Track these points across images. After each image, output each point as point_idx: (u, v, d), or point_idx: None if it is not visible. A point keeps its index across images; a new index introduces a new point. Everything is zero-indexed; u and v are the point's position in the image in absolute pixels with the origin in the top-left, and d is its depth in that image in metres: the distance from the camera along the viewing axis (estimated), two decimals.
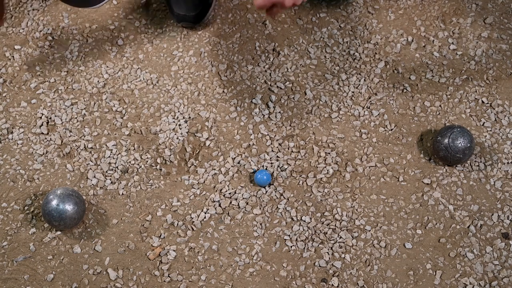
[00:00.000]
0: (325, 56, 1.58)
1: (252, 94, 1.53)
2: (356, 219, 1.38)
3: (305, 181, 1.42)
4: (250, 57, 1.58)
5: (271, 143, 1.47)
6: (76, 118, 1.49)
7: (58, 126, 1.48)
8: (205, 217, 1.38)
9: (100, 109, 1.51)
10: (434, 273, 1.33)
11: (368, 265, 1.34)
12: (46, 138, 1.47)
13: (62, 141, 1.47)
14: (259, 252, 1.35)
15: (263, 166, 1.44)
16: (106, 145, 1.46)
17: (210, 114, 1.50)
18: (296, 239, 1.36)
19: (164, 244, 1.35)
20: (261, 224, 1.37)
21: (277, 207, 1.39)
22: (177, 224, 1.37)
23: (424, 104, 1.52)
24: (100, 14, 1.63)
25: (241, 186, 1.42)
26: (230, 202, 1.40)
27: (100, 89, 1.53)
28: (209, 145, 1.46)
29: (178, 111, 1.50)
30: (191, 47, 1.59)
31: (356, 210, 1.39)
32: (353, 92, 1.53)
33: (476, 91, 1.54)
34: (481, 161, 1.45)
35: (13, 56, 1.58)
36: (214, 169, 1.43)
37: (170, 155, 1.45)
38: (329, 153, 1.45)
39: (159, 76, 1.54)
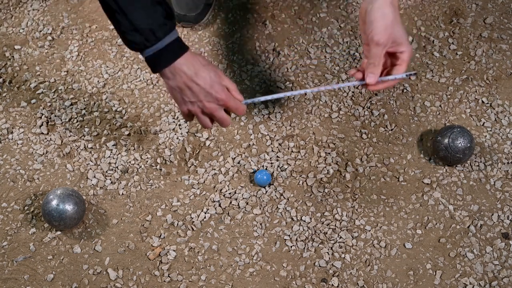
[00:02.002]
0: (325, 56, 1.58)
1: (252, 94, 1.53)
2: (356, 219, 1.38)
3: (305, 181, 1.42)
4: (250, 57, 1.58)
5: (271, 143, 1.47)
6: (76, 118, 1.49)
7: (58, 126, 1.48)
8: (205, 217, 1.38)
9: (100, 109, 1.51)
10: (434, 273, 1.33)
11: (368, 265, 1.34)
12: (46, 138, 1.47)
13: (62, 141, 1.47)
14: (259, 252, 1.35)
15: (263, 166, 1.44)
16: (106, 145, 1.46)
17: None
18: (296, 239, 1.36)
19: (164, 244, 1.35)
20: (261, 224, 1.37)
21: (277, 207, 1.39)
22: (177, 224, 1.37)
23: (424, 104, 1.52)
24: (100, 14, 1.63)
25: (241, 186, 1.42)
26: (230, 202, 1.40)
27: (100, 89, 1.53)
28: (209, 145, 1.46)
29: (178, 111, 1.50)
30: (191, 47, 1.59)
31: (356, 210, 1.39)
32: (353, 92, 1.53)
33: (476, 91, 1.54)
34: (481, 161, 1.45)
35: (13, 56, 1.58)
36: (214, 169, 1.43)
37: (170, 155, 1.45)
38: (329, 153, 1.45)
39: (159, 76, 1.54)
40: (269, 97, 1.18)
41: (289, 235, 1.36)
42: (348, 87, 1.53)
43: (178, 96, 1.12)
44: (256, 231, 1.37)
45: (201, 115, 1.14)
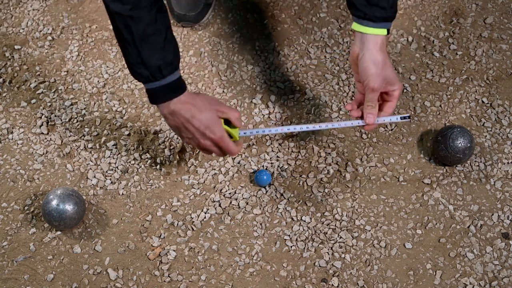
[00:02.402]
0: (325, 56, 1.58)
1: (252, 94, 1.53)
2: (356, 219, 1.38)
3: (305, 181, 1.42)
4: (250, 57, 1.58)
5: (271, 143, 1.47)
6: (76, 118, 1.49)
7: (58, 126, 1.48)
8: (205, 217, 1.38)
9: (100, 109, 1.51)
10: (434, 273, 1.33)
11: (368, 265, 1.34)
12: (46, 138, 1.47)
13: (62, 141, 1.47)
14: (259, 252, 1.35)
15: (263, 166, 1.44)
16: (106, 145, 1.46)
17: None
18: (296, 239, 1.36)
19: (164, 244, 1.35)
20: (261, 224, 1.37)
21: (277, 207, 1.39)
22: (177, 224, 1.37)
23: (424, 104, 1.52)
24: (100, 14, 1.63)
25: (241, 186, 1.42)
26: (230, 202, 1.40)
27: (100, 89, 1.53)
28: None
29: None
30: (191, 47, 1.59)
31: (356, 210, 1.39)
32: (353, 92, 1.53)
33: (476, 91, 1.54)
34: (481, 161, 1.45)
35: (13, 56, 1.58)
36: (214, 169, 1.43)
37: (170, 155, 1.45)
38: (329, 153, 1.45)
39: None
40: (266, 131, 1.26)
41: (289, 235, 1.36)
42: (348, 87, 1.53)
43: (177, 131, 1.21)
44: (256, 231, 1.37)
45: (198, 147, 1.23)
